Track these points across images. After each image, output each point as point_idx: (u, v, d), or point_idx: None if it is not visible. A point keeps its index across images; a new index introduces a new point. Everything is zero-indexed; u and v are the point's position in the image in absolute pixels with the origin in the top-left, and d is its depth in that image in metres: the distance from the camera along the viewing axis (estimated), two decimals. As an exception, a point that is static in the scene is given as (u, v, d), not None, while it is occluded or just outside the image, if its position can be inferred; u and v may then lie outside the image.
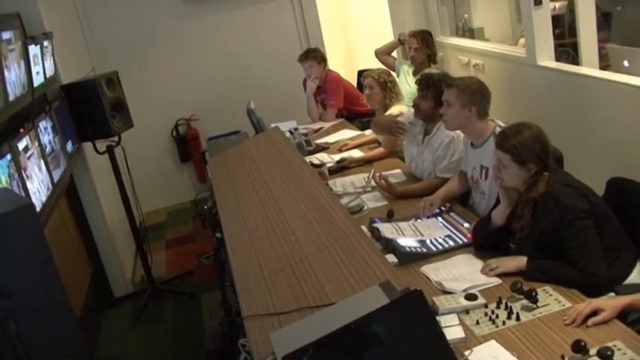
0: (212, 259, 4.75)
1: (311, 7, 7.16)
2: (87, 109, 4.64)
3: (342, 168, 4.51)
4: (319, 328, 1.76)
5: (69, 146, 4.45)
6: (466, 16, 7.14)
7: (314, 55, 5.86)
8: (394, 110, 4.64)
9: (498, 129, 3.28)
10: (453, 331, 2.30)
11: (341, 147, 5.01)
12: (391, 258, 2.96)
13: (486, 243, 2.95)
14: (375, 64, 6.25)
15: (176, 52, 6.90)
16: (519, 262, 2.70)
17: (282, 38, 7.11)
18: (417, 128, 4.08)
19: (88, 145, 4.87)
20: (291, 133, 5.07)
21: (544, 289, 2.55)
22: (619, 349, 2.11)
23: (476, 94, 3.34)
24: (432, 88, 3.84)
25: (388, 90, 4.75)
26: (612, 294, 2.60)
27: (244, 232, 3.28)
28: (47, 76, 4.25)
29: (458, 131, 3.65)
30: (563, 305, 2.43)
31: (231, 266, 3.00)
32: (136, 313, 4.89)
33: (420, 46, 5.69)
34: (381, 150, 4.65)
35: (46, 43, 4.28)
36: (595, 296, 2.55)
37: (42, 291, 1.85)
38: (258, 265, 2.85)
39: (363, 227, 3.20)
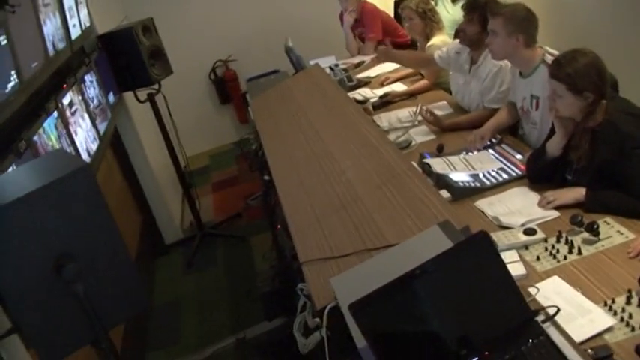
0: (259, 200, 4.78)
1: None
2: (125, 59, 4.62)
3: (386, 103, 4.43)
4: (382, 274, 1.72)
5: (111, 97, 4.44)
6: None
7: None
8: (436, 40, 4.51)
9: (548, 56, 3.18)
10: (513, 268, 2.26)
11: (383, 81, 4.92)
12: (444, 194, 2.91)
13: (542, 175, 2.88)
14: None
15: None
16: (578, 193, 2.64)
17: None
18: (463, 57, 3.95)
19: (129, 95, 4.86)
20: (331, 69, 4.98)
21: (605, 221, 2.48)
22: (688, 281, 2.06)
23: (523, 22, 3.20)
24: (479, 11, 3.70)
25: (428, 19, 4.59)
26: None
27: (293, 173, 3.25)
28: (83, 27, 4.21)
29: (505, 60, 3.54)
30: (627, 237, 2.38)
31: (282, 209, 2.98)
32: (187, 260, 4.96)
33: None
34: (424, 82, 4.55)
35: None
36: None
37: (105, 251, 1.86)
38: (311, 207, 2.82)
39: (414, 163, 3.14)
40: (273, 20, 6.85)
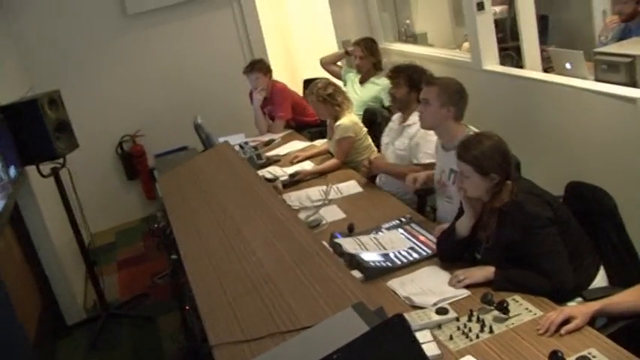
0: (167, 278, 4.66)
1: (253, 16, 7.08)
2: (29, 132, 4.46)
3: (296, 182, 4.45)
4: (297, 359, 1.69)
5: (12, 171, 4.27)
6: (408, 21, 7.18)
7: (259, 67, 5.80)
8: (345, 120, 4.60)
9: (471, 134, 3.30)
10: (428, 349, 2.26)
11: (292, 159, 4.95)
12: (357, 274, 2.91)
13: (452, 254, 2.93)
14: (319, 72, 6.26)
15: (118, 66, 6.73)
16: (487, 272, 2.69)
17: (225, 50, 7.01)
18: (395, 123, 4.13)
19: (32, 169, 4.69)
20: (241, 147, 5.00)
21: (514, 299, 2.54)
22: (594, 357, 2.12)
23: (455, 95, 3.35)
24: (403, 74, 3.94)
25: (329, 104, 4.67)
26: (580, 299, 2.61)
27: (202, 252, 3.19)
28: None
29: None
30: (535, 314, 2.43)
31: (192, 290, 2.91)
32: (91, 341, 4.73)
33: (365, 53, 5.70)
34: (334, 161, 4.60)
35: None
36: (563, 302, 2.57)
37: (2, 340, 1.74)
38: (221, 287, 2.76)
39: (325, 243, 3.15)
40: (182, 96, 6.82)
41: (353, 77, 5.86)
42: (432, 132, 3.64)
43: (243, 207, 3.51)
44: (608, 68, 4.32)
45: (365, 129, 4.69)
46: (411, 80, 3.86)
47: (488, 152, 2.71)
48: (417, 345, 1.66)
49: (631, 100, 3.88)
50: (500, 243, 2.71)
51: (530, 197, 2.68)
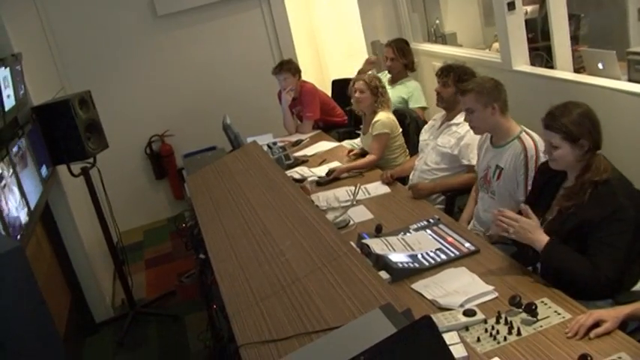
0: (194, 277, 4.68)
1: (282, 17, 7.10)
2: (60, 132, 4.53)
3: (332, 180, 4.45)
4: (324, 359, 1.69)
5: (43, 170, 4.33)
6: (437, 21, 7.15)
7: (288, 67, 5.80)
8: (382, 116, 4.61)
9: (525, 135, 3.35)
10: (455, 350, 2.23)
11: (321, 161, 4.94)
12: (384, 275, 2.90)
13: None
14: (348, 72, 6.25)
15: (147, 67, 6.80)
16: (539, 239, 2.66)
17: (254, 50, 7.05)
18: (438, 121, 4.16)
19: (62, 168, 4.75)
20: (269, 147, 5.01)
21: (542, 301, 2.51)
22: (624, 361, 2.09)
23: (493, 91, 3.39)
24: (452, 73, 3.96)
25: (380, 95, 4.69)
26: (610, 300, 2.58)
27: (231, 253, 3.20)
28: (18, 98, 4.13)
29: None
30: (564, 317, 2.41)
31: (220, 290, 2.92)
32: (118, 339, 4.77)
33: (396, 55, 5.69)
34: (371, 157, 4.59)
35: (15, 65, 4.16)
36: (593, 301, 2.54)
37: (35, 338, 1.76)
38: (249, 288, 2.77)
39: (352, 243, 3.15)
40: (210, 96, 6.87)
41: (382, 78, 5.84)
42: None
43: (272, 207, 3.51)
44: (642, 68, 4.27)
45: (400, 128, 4.70)
46: (460, 81, 3.86)
47: (578, 119, 2.69)
48: (444, 347, 1.65)
49: (664, 102, 3.83)
50: (576, 218, 2.65)
51: (624, 188, 2.65)
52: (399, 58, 5.69)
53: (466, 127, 3.75)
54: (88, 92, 4.82)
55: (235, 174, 4.27)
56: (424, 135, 4.27)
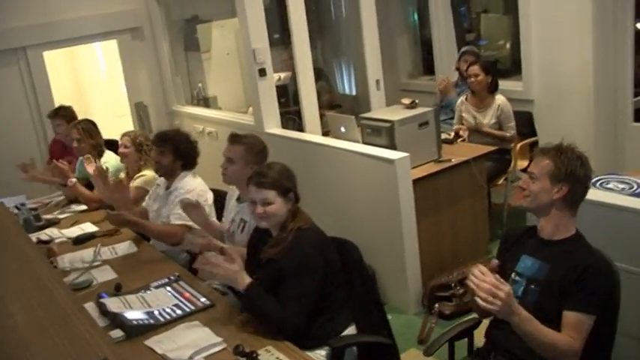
0: None
1: (42, 79, 6.89)
2: None
3: (90, 237, 4.39)
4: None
5: None
6: (200, 85, 7.35)
7: (64, 114, 5.73)
8: (147, 172, 4.63)
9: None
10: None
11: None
12: (118, 332, 2.92)
13: None
14: (115, 133, 6.14)
15: None
16: (241, 279, 2.81)
17: (8, 105, 6.74)
18: (162, 188, 4.21)
19: None
20: (17, 208, 4.84)
21: (266, 349, 2.65)
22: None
23: (259, 155, 3.57)
24: (169, 142, 4.03)
25: (144, 152, 4.70)
26: (327, 347, 2.78)
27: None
28: None
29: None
30: (285, 363, 2.55)
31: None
32: None
33: (82, 136, 5.21)
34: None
35: None
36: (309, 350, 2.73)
37: None
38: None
39: (92, 303, 3.17)
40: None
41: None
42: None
43: (7, 270, 3.39)
44: (372, 132, 4.70)
45: None
46: (177, 150, 4.02)
47: (284, 173, 2.99)
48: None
49: (389, 161, 4.24)
50: (274, 264, 2.88)
51: (315, 238, 2.91)
52: (85, 139, 5.20)
53: (182, 191, 3.99)
54: None
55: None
56: (152, 204, 4.31)
